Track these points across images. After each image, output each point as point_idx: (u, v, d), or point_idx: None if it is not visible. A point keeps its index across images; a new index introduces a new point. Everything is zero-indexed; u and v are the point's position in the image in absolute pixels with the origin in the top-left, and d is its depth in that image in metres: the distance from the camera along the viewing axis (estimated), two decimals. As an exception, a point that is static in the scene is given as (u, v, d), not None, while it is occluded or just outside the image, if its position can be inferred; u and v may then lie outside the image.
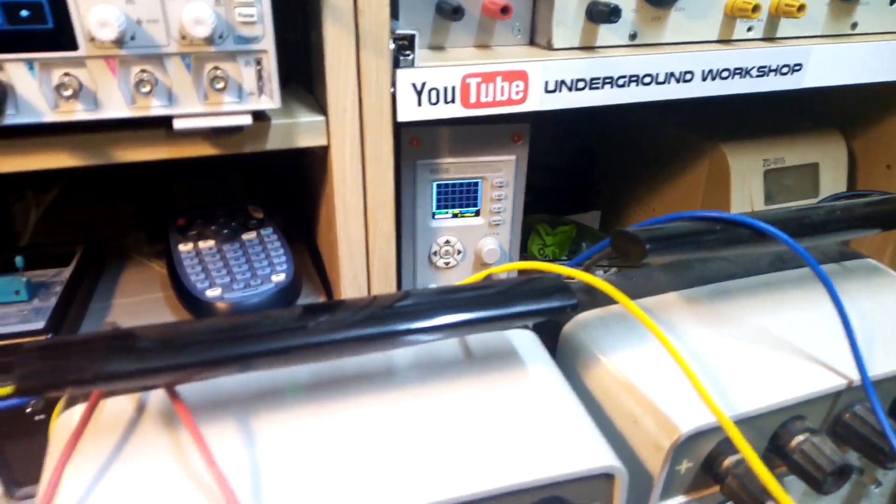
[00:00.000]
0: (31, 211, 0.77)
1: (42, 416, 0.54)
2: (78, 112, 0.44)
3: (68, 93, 0.43)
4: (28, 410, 0.53)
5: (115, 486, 0.24)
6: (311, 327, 0.24)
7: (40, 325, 0.53)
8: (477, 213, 0.68)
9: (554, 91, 0.57)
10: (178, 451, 0.25)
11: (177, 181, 0.72)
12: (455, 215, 0.68)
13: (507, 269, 0.30)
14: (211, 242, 0.62)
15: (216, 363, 0.23)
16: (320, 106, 0.55)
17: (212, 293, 0.56)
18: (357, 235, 0.58)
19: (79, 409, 0.28)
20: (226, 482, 0.23)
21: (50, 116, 0.44)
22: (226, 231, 0.63)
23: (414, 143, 0.63)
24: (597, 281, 0.29)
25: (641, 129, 0.92)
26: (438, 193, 0.66)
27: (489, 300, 0.28)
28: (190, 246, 0.62)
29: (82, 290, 0.61)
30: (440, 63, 0.54)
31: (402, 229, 0.67)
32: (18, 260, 0.57)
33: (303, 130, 0.53)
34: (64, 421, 0.27)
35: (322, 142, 0.54)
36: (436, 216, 0.67)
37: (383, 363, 0.30)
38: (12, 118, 0.43)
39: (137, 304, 0.64)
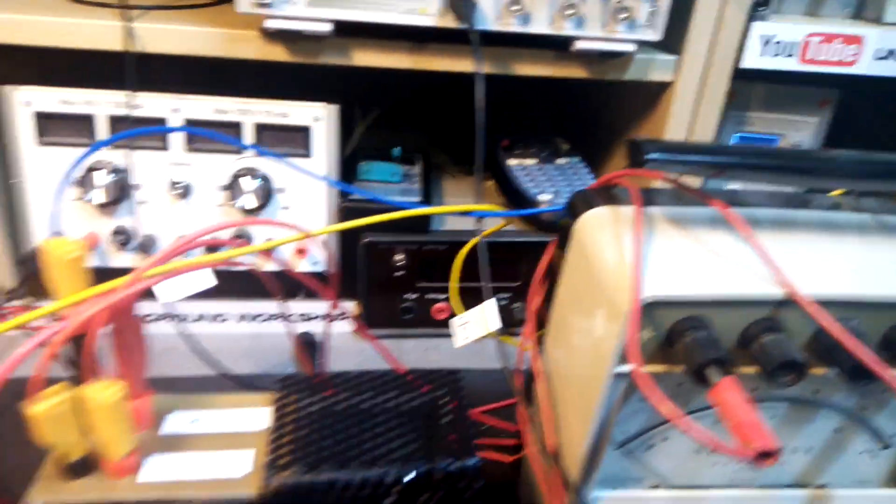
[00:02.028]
0: (358, 125, 0.93)
1: (402, 273, 0.66)
2: (511, 25, 0.56)
3: (515, 8, 0.54)
4: (400, 262, 0.66)
5: (680, 256, 0.33)
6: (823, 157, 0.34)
7: (417, 199, 0.66)
8: (765, 170, 0.74)
9: (884, 59, 0.62)
10: (701, 237, 0.34)
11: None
12: (744, 168, 0.74)
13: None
14: (533, 161, 0.73)
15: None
16: (666, 47, 0.64)
17: (543, 198, 0.67)
18: (674, 166, 0.67)
19: (595, 212, 0.38)
20: (763, 250, 0.32)
21: (494, 26, 0.56)
22: (543, 154, 0.74)
23: (729, 96, 0.70)
24: None
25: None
26: (737, 145, 0.73)
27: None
28: (517, 161, 0.73)
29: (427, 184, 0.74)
30: (789, 20, 0.61)
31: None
32: (396, 150, 0.71)
33: (657, 67, 0.63)
34: (588, 219, 0.37)
35: (668, 78, 0.63)
36: (727, 167, 0.74)
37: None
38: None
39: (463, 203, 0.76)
